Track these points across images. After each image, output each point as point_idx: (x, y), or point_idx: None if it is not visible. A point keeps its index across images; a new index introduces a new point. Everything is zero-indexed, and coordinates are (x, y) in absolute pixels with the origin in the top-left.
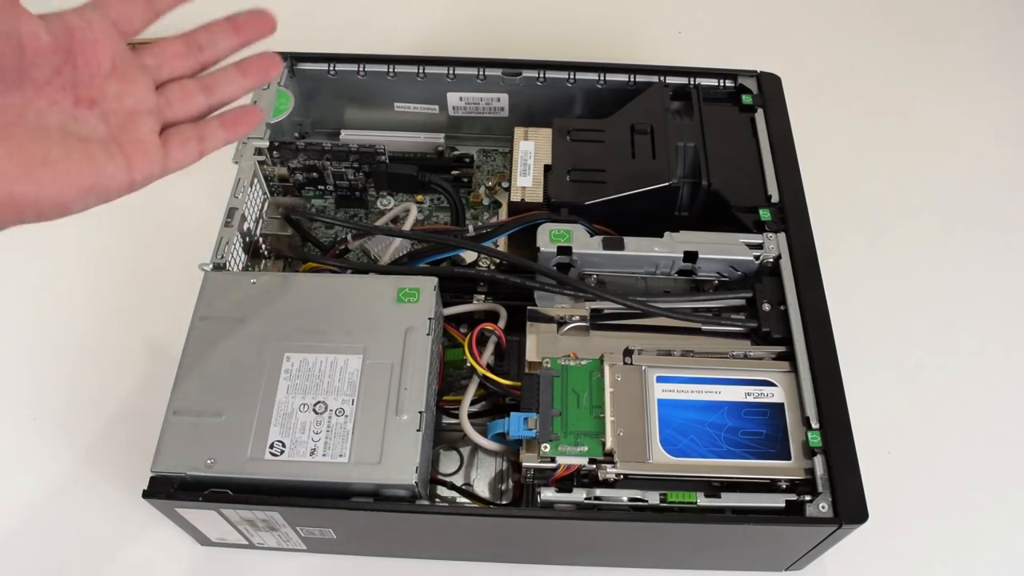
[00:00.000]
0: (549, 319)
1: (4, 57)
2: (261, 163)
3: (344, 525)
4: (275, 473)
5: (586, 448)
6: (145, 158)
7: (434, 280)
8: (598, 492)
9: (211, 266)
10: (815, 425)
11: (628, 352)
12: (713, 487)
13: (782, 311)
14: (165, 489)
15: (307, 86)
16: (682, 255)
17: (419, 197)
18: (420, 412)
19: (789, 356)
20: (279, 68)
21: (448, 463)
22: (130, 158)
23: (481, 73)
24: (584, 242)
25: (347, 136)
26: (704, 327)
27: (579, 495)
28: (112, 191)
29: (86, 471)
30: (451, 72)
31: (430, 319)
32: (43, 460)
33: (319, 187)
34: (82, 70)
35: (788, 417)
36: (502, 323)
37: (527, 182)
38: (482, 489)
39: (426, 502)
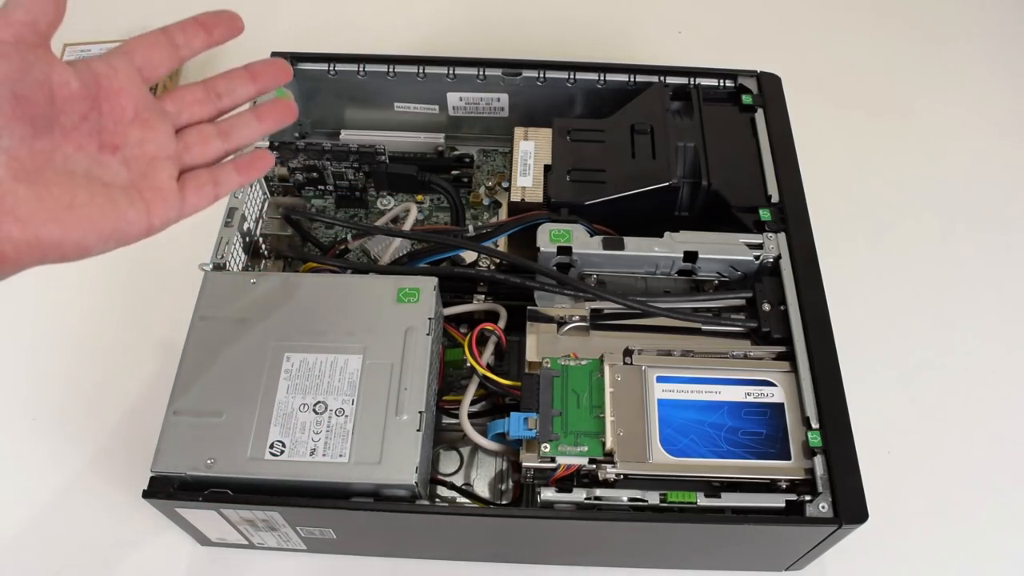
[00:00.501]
0: (549, 319)
1: (36, 104)
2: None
3: (344, 525)
4: (275, 473)
5: (586, 448)
6: (164, 204)
7: (434, 280)
8: (598, 492)
9: (211, 266)
10: (815, 425)
11: (628, 352)
12: (713, 487)
13: (782, 311)
14: (165, 489)
15: (307, 86)
16: (682, 255)
17: (419, 197)
18: (420, 412)
19: (789, 356)
20: (294, 114)
21: (448, 463)
22: (150, 204)
23: (481, 73)
24: (584, 242)
25: (347, 136)
26: (704, 327)
27: (579, 495)
28: (131, 236)
29: (86, 471)
30: (451, 72)
31: (430, 319)
32: (43, 460)
33: (319, 187)
34: (107, 116)
35: (788, 417)
36: (502, 323)
37: (527, 182)
38: (482, 489)
39: (426, 502)
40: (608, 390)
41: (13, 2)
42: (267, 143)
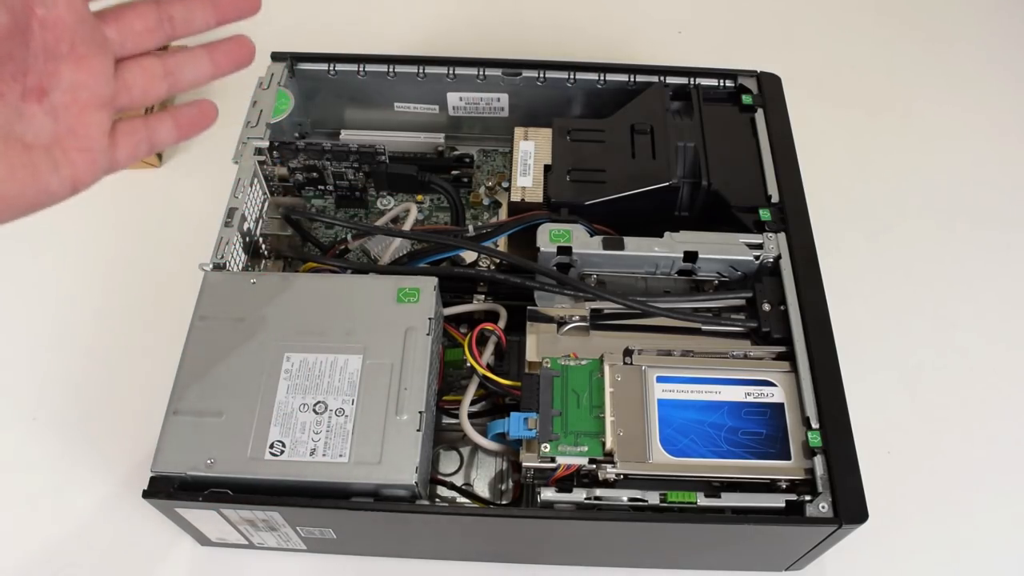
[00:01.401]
0: (549, 319)
1: None
2: (261, 163)
3: (344, 525)
4: (275, 473)
5: (586, 448)
6: (91, 164)
7: (434, 280)
8: (598, 492)
9: (211, 266)
10: (815, 425)
11: (628, 352)
12: (713, 487)
13: (782, 311)
14: (165, 489)
15: (307, 86)
16: (682, 255)
17: (419, 197)
18: (420, 412)
19: (789, 356)
20: (252, 55)
21: (448, 463)
22: (75, 166)
23: (481, 73)
24: (584, 242)
25: (347, 136)
26: (704, 327)
27: (579, 495)
28: (52, 201)
29: (86, 471)
30: (451, 72)
31: (430, 319)
32: (43, 460)
33: (319, 187)
34: (36, 52)
35: (788, 417)
36: (502, 323)
37: (527, 182)
38: (482, 489)
39: (426, 502)
40: (608, 390)
41: None
42: (267, 143)
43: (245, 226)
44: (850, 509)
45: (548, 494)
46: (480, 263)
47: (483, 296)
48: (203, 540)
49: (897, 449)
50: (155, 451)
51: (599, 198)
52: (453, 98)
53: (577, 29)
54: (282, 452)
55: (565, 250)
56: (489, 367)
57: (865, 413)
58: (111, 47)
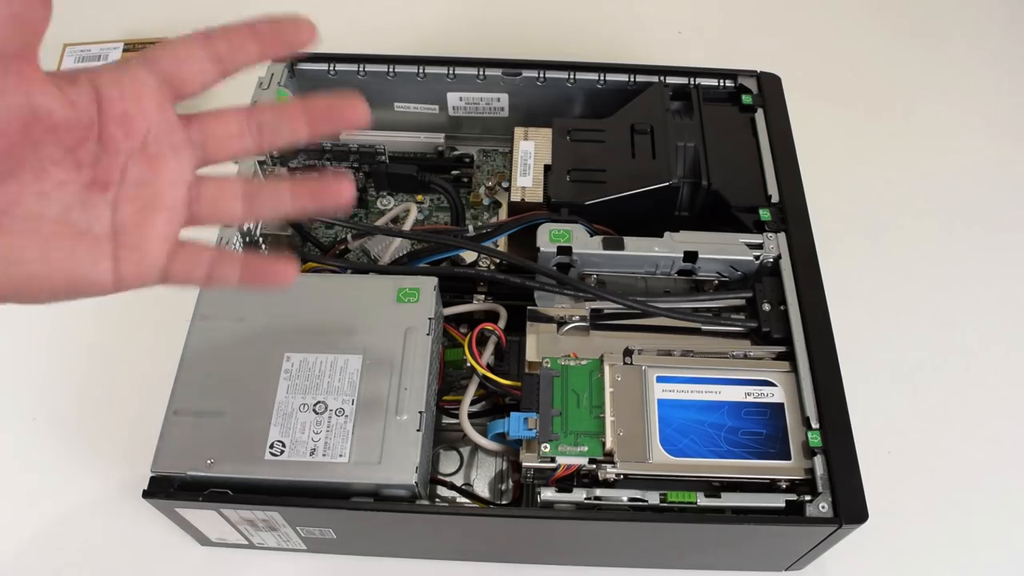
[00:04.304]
0: (549, 319)
1: (2, 140)
2: (261, 163)
3: (344, 525)
4: (275, 473)
5: (586, 448)
6: (140, 267)
7: (434, 280)
8: (598, 492)
9: None
10: (815, 425)
11: (628, 352)
12: (713, 487)
13: (782, 311)
14: (165, 489)
15: (307, 86)
16: (682, 255)
17: (419, 197)
18: (420, 412)
19: (789, 356)
20: (345, 196)
21: (448, 463)
22: (121, 264)
23: (481, 73)
24: (584, 242)
25: (347, 136)
26: (704, 327)
27: (579, 495)
28: (92, 293)
29: (86, 471)
30: (451, 72)
31: (430, 319)
32: (43, 460)
33: None
34: (106, 146)
35: (788, 417)
36: (502, 323)
37: (527, 182)
38: (482, 489)
39: (426, 502)
40: (608, 390)
41: None
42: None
43: (245, 226)
44: (850, 509)
45: (548, 494)
46: (480, 263)
47: (483, 296)
48: (203, 540)
49: (897, 449)
50: (155, 451)
51: (599, 198)
52: (453, 98)
53: (577, 29)
54: (282, 452)
55: (565, 250)
56: (489, 367)
57: (865, 413)
58: (192, 148)
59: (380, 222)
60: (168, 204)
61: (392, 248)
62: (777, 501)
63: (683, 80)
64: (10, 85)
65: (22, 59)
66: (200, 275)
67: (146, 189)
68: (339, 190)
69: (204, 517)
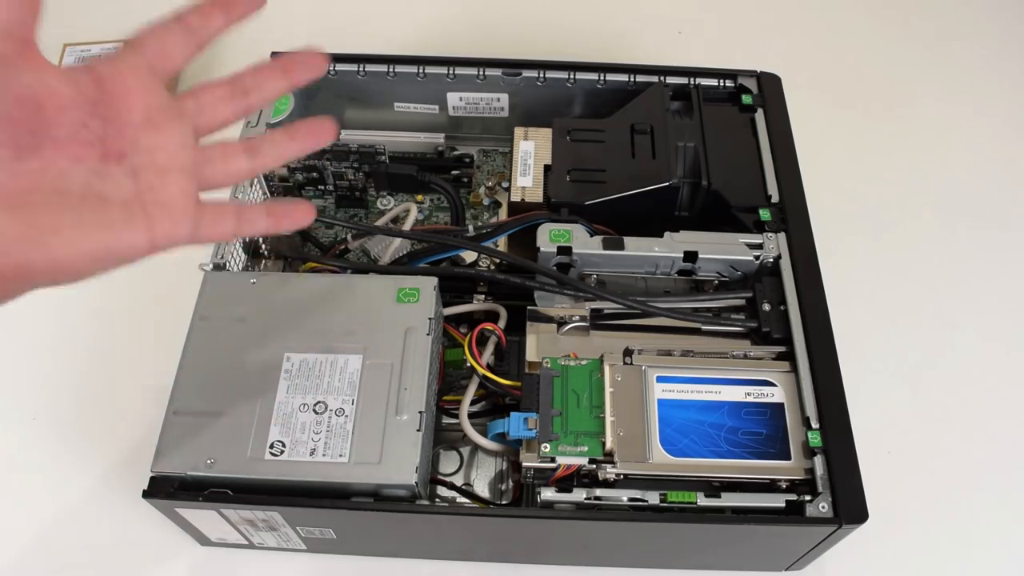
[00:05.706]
0: (549, 319)
1: (18, 122)
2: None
3: (344, 525)
4: (275, 473)
5: (586, 448)
6: (170, 220)
7: (434, 280)
8: (598, 492)
9: (211, 266)
10: (815, 425)
11: (628, 352)
12: (713, 487)
13: (782, 311)
14: (165, 489)
15: (307, 86)
16: (682, 255)
17: (419, 197)
18: (420, 412)
19: (789, 356)
20: (331, 134)
21: (448, 463)
22: (153, 220)
23: (481, 73)
24: (584, 242)
25: (347, 136)
26: (704, 327)
27: (579, 495)
28: (130, 256)
29: (86, 471)
30: (451, 72)
31: (430, 319)
32: (43, 460)
33: (319, 187)
34: (112, 122)
35: (788, 417)
36: (502, 323)
37: (527, 182)
38: (482, 489)
39: (426, 502)
40: (608, 390)
41: None
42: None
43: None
44: (850, 509)
45: (548, 494)
46: (480, 263)
47: (483, 296)
48: (203, 540)
49: (897, 449)
50: (155, 451)
51: (599, 198)
52: (453, 98)
53: (577, 29)
54: (282, 452)
55: (565, 250)
56: (489, 367)
57: (865, 413)
58: (188, 117)
59: (380, 222)
60: (181, 164)
61: (392, 248)
62: (777, 501)
63: (683, 80)
64: (23, 65)
65: (26, 43)
66: (228, 227)
67: (159, 154)
68: (326, 125)
69: (204, 517)
